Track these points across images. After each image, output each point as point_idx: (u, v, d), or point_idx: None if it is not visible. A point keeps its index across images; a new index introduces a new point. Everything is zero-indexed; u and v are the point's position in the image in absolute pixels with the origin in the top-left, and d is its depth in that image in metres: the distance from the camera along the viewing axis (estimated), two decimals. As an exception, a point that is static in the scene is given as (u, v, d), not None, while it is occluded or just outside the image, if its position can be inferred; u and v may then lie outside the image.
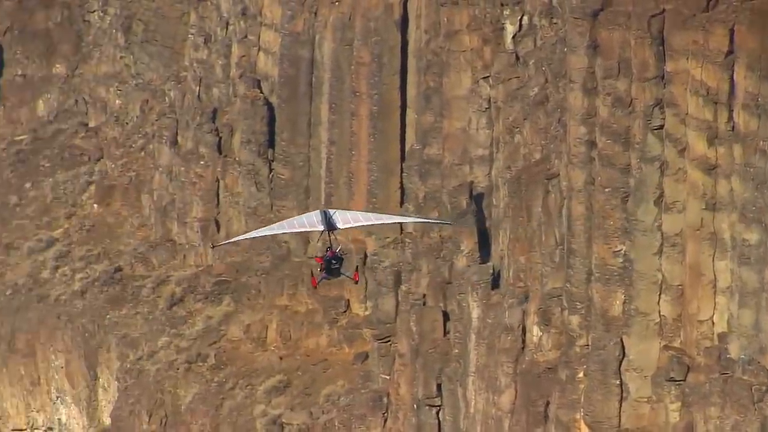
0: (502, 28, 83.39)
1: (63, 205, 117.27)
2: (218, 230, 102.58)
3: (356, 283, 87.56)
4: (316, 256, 64.77)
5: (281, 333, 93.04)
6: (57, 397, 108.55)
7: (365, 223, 71.43)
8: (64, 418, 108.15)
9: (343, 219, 49.30)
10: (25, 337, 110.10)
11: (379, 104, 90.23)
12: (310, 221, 50.29)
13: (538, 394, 75.02)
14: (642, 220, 69.95)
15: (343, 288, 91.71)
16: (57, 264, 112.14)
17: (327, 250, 51.22)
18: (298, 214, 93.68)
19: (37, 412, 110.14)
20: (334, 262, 49.70)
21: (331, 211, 48.95)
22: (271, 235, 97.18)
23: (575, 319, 73.38)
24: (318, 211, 50.52)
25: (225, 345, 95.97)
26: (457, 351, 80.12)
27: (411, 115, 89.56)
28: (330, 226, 48.22)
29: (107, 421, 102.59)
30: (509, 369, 76.40)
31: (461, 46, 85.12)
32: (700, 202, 68.61)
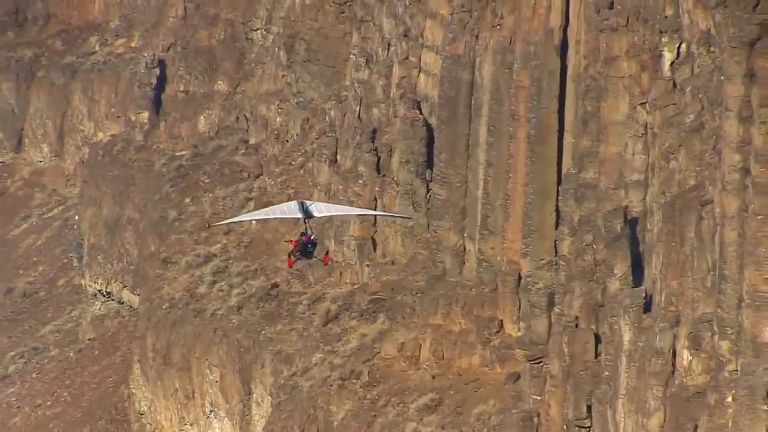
0: (660, 55, 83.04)
1: (222, 220, 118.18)
2: (374, 249, 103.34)
3: (326, 265, 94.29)
4: (291, 240, 68.10)
5: (434, 352, 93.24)
6: (210, 411, 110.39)
7: (336, 213, 78.05)
8: (214, 429, 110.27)
9: (318, 209, 56.31)
10: (180, 351, 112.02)
11: (536, 127, 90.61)
12: (291, 210, 57.25)
13: (687, 417, 74.22)
14: None
15: (497, 309, 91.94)
16: (214, 279, 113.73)
17: (302, 236, 57.32)
18: (455, 235, 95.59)
19: (191, 425, 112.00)
20: (309, 246, 56.39)
21: (308, 202, 55.56)
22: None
23: (725, 344, 72.29)
24: (296, 201, 57.00)
25: (378, 363, 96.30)
26: (607, 373, 79.73)
27: (568, 139, 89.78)
28: (307, 214, 54.54)
29: None
30: (659, 392, 75.88)
31: (619, 72, 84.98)
32: None
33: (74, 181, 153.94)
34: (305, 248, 59.84)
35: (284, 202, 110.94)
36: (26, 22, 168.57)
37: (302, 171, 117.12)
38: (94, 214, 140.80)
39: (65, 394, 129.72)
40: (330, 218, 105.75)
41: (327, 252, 78.13)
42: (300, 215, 58.72)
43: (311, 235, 60.78)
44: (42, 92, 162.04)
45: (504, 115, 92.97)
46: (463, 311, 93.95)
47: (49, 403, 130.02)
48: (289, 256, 69.43)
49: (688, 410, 74.78)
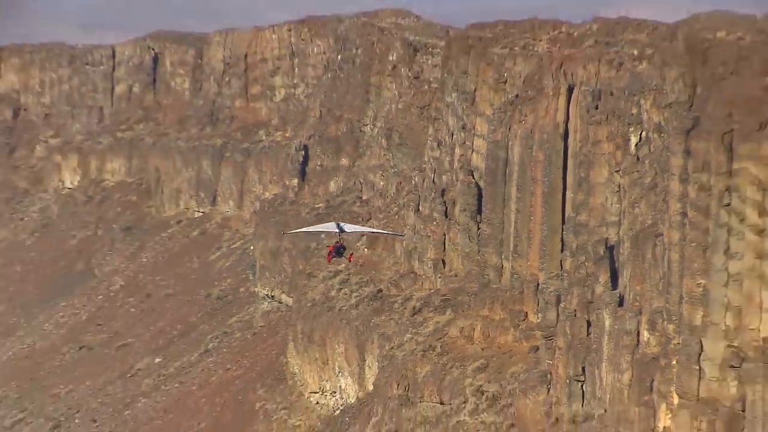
0: (629, 139, 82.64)
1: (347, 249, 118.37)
2: (444, 266, 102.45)
3: (350, 261, 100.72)
4: (329, 245, 72.27)
5: (483, 333, 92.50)
6: (339, 372, 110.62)
7: (359, 230, 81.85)
8: (343, 386, 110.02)
9: (348, 228, 65.13)
10: (319, 333, 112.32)
11: (548, 187, 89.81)
12: (332, 227, 62.15)
13: (647, 375, 73.84)
14: (716, 265, 68.23)
15: (524, 304, 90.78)
16: (341, 287, 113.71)
17: (336, 243, 62.41)
18: (496, 257, 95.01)
19: (326, 381, 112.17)
20: (341, 249, 61.19)
21: (342, 224, 61.06)
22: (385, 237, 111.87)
23: (671, 327, 72.01)
24: (335, 222, 62.57)
25: (447, 340, 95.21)
26: (595, 346, 79.32)
27: (569, 195, 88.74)
28: (341, 230, 59.60)
29: (370, 387, 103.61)
30: (628, 358, 75.61)
31: (602, 150, 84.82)
32: (753, 253, 67.16)
33: (250, 224, 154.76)
34: (338, 251, 64.84)
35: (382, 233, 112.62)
36: (218, 121, 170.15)
37: (397, 216, 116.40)
38: (263, 245, 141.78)
39: (245, 362, 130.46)
40: (415, 246, 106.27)
41: (351, 254, 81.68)
42: (337, 230, 63.41)
43: (342, 243, 65.25)
44: (228, 166, 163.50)
45: (527, 179, 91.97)
46: (502, 306, 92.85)
47: (234, 368, 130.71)
48: (329, 255, 72.79)
49: (647, 370, 74.07)
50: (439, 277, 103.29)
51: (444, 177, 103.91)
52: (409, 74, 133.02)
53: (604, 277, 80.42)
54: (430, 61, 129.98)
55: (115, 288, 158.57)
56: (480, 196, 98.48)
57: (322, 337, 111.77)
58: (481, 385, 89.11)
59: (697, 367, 69.35)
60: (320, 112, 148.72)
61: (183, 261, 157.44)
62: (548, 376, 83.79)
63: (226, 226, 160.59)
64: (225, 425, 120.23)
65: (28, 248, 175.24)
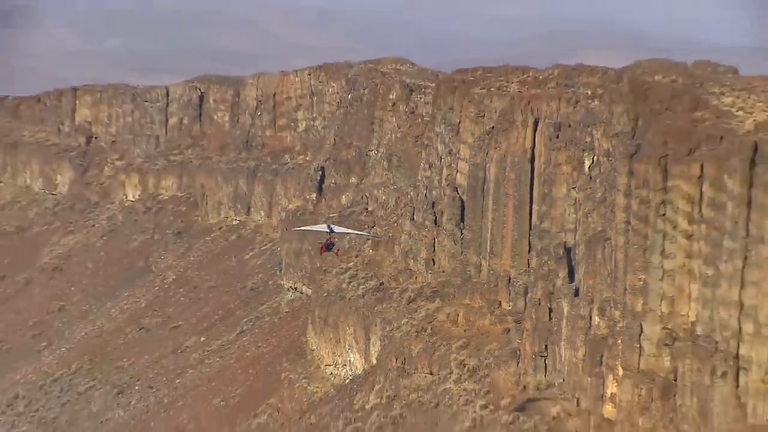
0: (583, 162, 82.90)
1: (353, 250, 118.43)
2: (434, 264, 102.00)
3: (337, 255, 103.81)
4: (321, 242, 72.74)
5: (465, 318, 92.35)
6: (348, 348, 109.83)
7: (345, 231, 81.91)
8: (351, 360, 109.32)
9: (336, 229, 64.44)
10: (332, 317, 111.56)
11: (518, 200, 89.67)
12: (324, 227, 63.62)
13: (597, 351, 73.94)
14: (653, 263, 68.30)
15: (498, 295, 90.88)
16: (350, 280, 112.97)
17: (327, 240, 63.71)
18: (475, 257, 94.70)
19: (338, 356, 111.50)
20: (330, 245, 63.31)
21: (332, 226, 62.40)
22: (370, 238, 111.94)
23: (617, 313, 72.38)
24: (327, 224, 64.31)
25: (436, 323, 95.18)
26: (555, 328, 79.48)
27: (535, 207, 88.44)
28: (331, 230, 60.85)
29: (374, 361, 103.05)
30: (582, 338, 75.88)
31: (562, 171, 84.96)
32: (683, 254, 67.18)
33: (277, 230, 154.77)
34: (328, 246, 66.68)
35: (382, 239, 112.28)
36: (251, 147, 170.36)
37: (395, 224, 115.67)
38: (287, 246, 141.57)
39: (272, 340, 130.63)
40: (411, 248, 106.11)
41: (338, 249, 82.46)
42: (327, 230, 64.35)
43: (331, 240, 66.32)
44: (260, 183, 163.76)
45: (501, 194, 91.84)
46: (480, 296, 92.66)
47: (264, 345, 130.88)
48: (321, 249, 73.92)
49: (597, 347, 74.11)
50: (430, 273, 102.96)
51: (434, 192, 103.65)
52: (406, 110, 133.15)
53: (563, 273, 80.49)
54: (422, 99, 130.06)
55: (168, 281, 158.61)
56: (463, 208, 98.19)
57: (335, 321, 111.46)
58: (463, 360, 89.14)
59: (638, 345, 69.47)
60: (334, 140, 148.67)
61: (223, 259, 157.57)
62: (518, 352, 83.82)
63: (258, 232, 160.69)
64: (256, 391, 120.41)
65: (97, 249, 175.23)
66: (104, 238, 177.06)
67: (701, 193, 66.20)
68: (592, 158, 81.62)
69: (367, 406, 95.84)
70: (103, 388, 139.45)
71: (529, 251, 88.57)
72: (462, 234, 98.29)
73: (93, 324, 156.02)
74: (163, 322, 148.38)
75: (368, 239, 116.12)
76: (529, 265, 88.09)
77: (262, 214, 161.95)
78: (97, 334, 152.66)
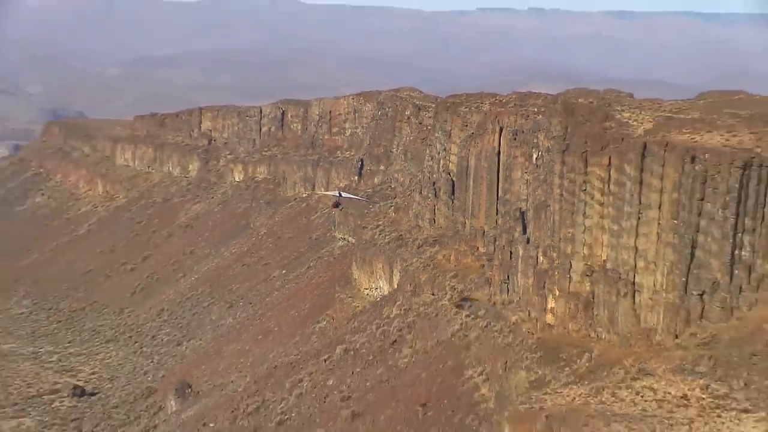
0: (532, 155, 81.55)
1: (381, 214, 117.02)
2: (434, 222, 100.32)
3: (337, 208, 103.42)
4: (332, 203, 72.39)
5: (455, 258, 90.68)
6: (379, 278, 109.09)
7: (348, 196, 79.79)
8: (381, 285, 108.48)
9: (344, 193, 67.64)
10: (368, 257, 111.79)
11: (489, 181, 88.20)
12: (335, 192, 63.62)
13: (542, 280, 71.50)
14: (578, 222, 67.08)
15: (476, 243, 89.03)
16: (380, 233, 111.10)
17: (336, 199, 64.07)
18: (462, 217, 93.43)
19: (372, 283, 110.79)
20: (338, 204, 62.86)
21: (341, 191, 62.05)
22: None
23: (555, 254, 70.07)
24: (337, 189, 63.80)
25: (436, 261, 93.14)
26: (514, 264, 77.32)
27: (501, 185, 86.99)
28: (339, 194, 60.71)
29: (395, 286, 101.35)
30: (532, 270, 73.82)
31: (518, 161, 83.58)
32: (598, 216, 65.99)
33: (334, 201, 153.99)
34: (336, 205, 67.34)
35: (370, 202, 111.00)
36: (315, 146, 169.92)
37: (409, 196, 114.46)
38: (339, 212, 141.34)
39: (329, 273, 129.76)
40: (419, 212, 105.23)
41: (341, 207, 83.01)
42: (337, 194, 64.22)
43: (339, 201, 66.53)
44: (320, 170, 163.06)
45: (478, 176, 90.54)
46: (465, 244, 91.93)
47: (324, 276, 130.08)
48: (332, 206, 73.80)
49: (542, 277, 72.51)
50: (432, 228, 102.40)
51: (434, 175, 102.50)
52: (416, 121, 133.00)
53: (519, 228, 79.59)
54: (427, 115, 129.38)
55: (260, 234, 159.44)
56: (453, 185, 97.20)
57: (370, 260, 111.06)
58: (454, 285, 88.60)
59: (569, 276, 69.03)
60: (369, 141, 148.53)
61: (298, 219, 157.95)
62: (489, 280, 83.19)
63: (320, 201, 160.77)
64: (320, 306, 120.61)
65: (215, 213, 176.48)
66: (219, 206, 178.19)
67: (609, 176, 65.46)
68: (538, 153, 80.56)
69: (391, 315, 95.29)
70: (218, 304, 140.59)
71: (496, 214, 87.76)
72: (453, 202, 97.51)
73: (211, 262, 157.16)
74: (258, 260, 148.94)
75: (373, 204, 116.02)
76: (496, 223, 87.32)
77: (322, 189, 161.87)
78: (214, 269, 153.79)
